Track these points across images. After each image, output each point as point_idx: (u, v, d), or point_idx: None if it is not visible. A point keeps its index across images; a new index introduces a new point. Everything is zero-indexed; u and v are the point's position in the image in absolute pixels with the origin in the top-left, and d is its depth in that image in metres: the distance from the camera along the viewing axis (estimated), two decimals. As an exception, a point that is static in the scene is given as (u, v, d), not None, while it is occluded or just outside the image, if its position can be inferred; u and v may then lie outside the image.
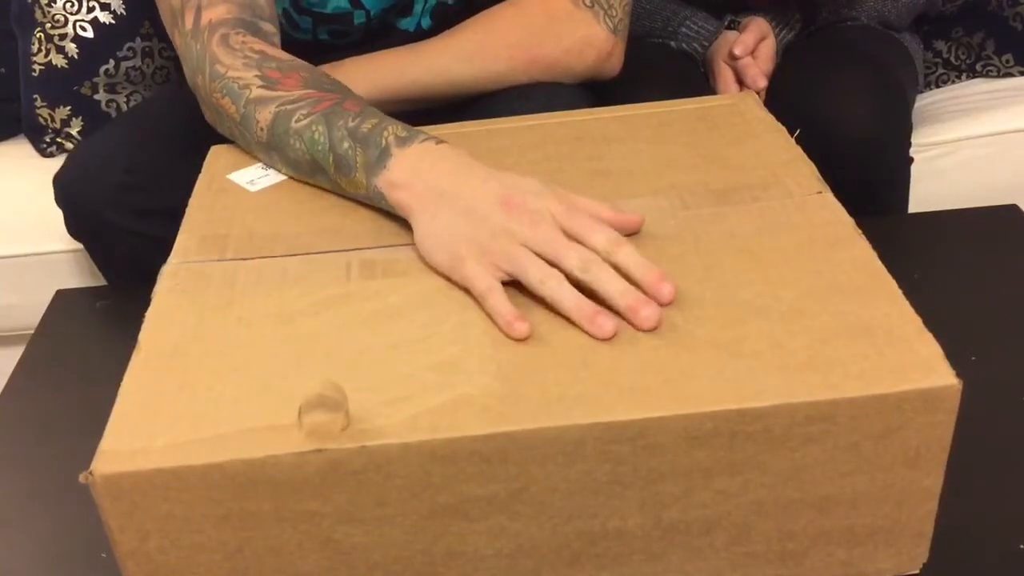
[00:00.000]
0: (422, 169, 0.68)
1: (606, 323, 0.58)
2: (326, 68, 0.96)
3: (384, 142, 0.71)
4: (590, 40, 1.01)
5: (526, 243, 0.62)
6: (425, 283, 0.65)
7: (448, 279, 0.64)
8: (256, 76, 0.80)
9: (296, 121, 0.75)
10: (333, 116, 0.74)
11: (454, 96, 1.00)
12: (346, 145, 0.72)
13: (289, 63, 0.81)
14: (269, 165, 0.81)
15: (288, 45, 0.87)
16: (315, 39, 1.07)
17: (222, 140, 0.86)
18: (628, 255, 0.61)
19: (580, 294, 0.60)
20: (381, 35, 1.07)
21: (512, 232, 0.63)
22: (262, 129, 0.78)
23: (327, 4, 1.02)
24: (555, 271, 0.61)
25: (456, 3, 1.08)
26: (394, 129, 0.71)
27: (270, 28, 0.89)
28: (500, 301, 0.60)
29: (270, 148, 0.78)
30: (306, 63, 0.82)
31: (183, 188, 0.80)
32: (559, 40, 1.00)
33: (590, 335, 0.59)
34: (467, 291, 0.63)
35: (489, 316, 0.61)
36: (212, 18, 0.85)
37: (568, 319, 0.60)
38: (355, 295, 0.64)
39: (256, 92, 0.79)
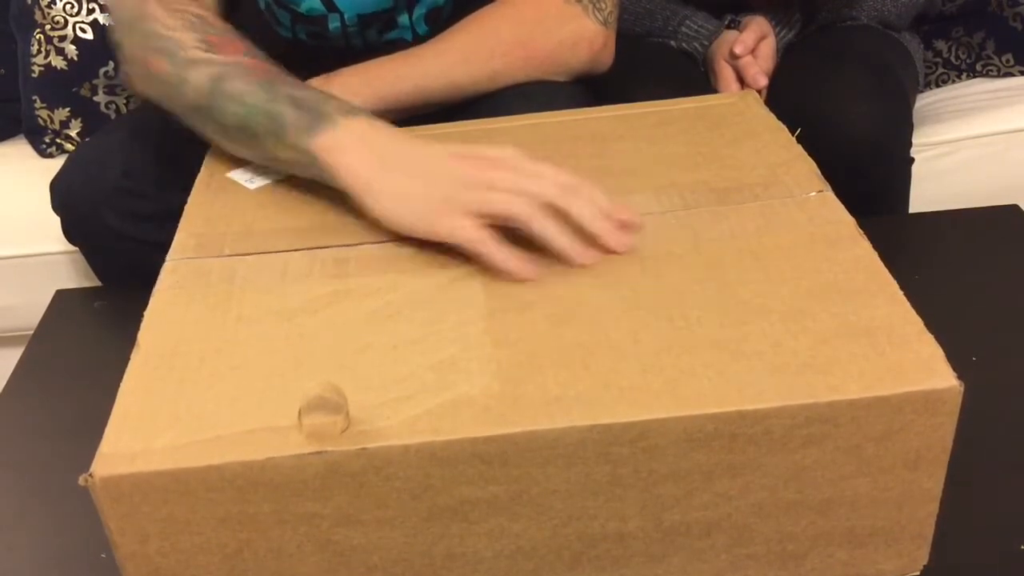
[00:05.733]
0: (367, 137, 0.69)
1: (594, 255, 0.61)
2: (320, 79, 0.96)
3: (327, 109, 0.71)
4: (582, 34, 1.01)
5: (493, 186, 0.62)
6: (425, 280, 0.65)
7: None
8: (196, 38, 0.80)
9: (233, 83, 0.76)
10: (275, 83, 0.75)
11: (453, 99, 1.00)
12: (280, 108, 0.73)
13: (230, 31, 0.82)
14: (194, 128, 0.80)
15: (273, 42, 0.87)
16: (295, 37, 1.08)
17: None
18: (592, 191, 0.63)
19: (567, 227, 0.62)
20: (369, 51, 1.07)
21: (476, 179, 0.63)
22: (195, 90, 0.78)
23: (301, 3, 1.02)
24: (540, 205, 0.62)
25: (448, 3, 1.08)
26: (340, 103, 0.73)
27: (209, 2, 0.91)
28: (497, 248, 0.61)
29: (200, 111, 0.78)
30: (246, 37, 0.83)
31: (181, 191, 0.80)
32: (551, 35, 1.00)
33: (575, 263, 0.61)
34: (466, 284, 0.63)
35: (489, 265, 0.61)
36: None
37: (554, 255, 0.62)
38: (354, 292, 0.64)
39: (193, 53, 0.79)
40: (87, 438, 0.55)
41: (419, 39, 1.05)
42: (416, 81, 0.98)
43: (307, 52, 1.05)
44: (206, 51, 0.79)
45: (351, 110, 0.72)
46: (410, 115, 0.99)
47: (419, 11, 1.06)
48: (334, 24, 1.05)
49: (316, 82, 0.95)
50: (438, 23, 1.06)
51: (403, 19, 1.06)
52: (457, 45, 0.99)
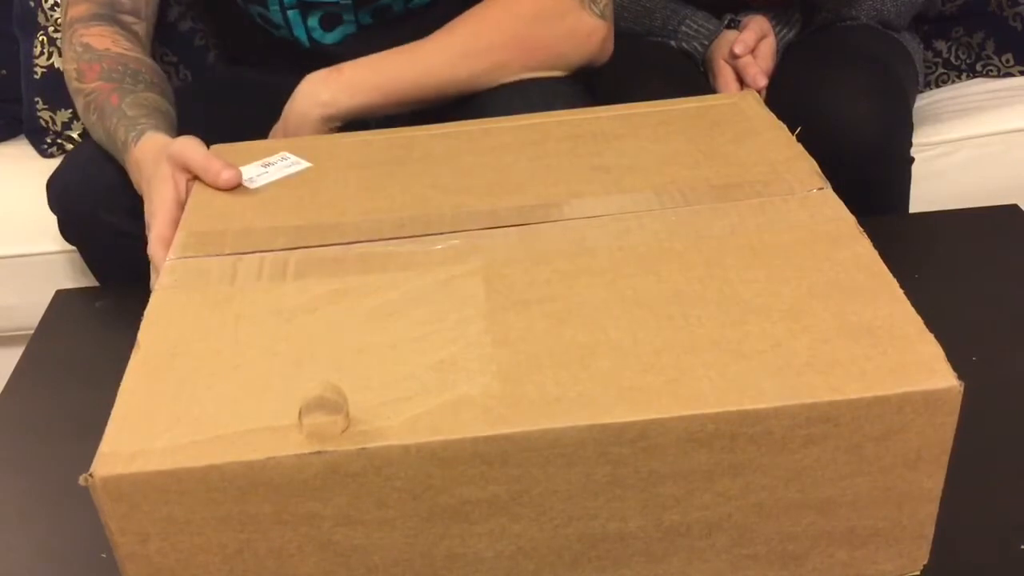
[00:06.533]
0: (134, 166, 0.91)
1: None
2: (327, 72, 0.97)
3: (118, 142, 0.92)
4: (579, 27, 1.02)
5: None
6: (424, 278, 0.65)
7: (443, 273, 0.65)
8: (74, 68, 0.98)
9: (90, 114, 0.96)
10: (104, 116, 0.94)
11: (454, 94, 1.01)
12: (106, 141, 0.94)
13: (100, 55, 0.97)
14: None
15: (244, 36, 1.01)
16: (252, 22, 1.10)
17: (219, 140, 0.87)
18: None
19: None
20: (319, 52, 1.08)
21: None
22: (80, 115, 0.99)
23: None
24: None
25: (398, 4, 1.07)
26: (125, 135, 0.91)
27: (130, 19, 1.04)
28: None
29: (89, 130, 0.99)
30: (118, 53, 0.99)
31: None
32: (549, 28, 1.01)
33: None
34: (466, 283, 0.63)
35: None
36: (73, 15, 1.02)
37: None
38: (354, 291, 0.64)
39: (72, 84, 0.99)
40: (87, 438, 0.55)
41: (365, 28, 1.06)
42: (415, 79, 0.98)
43: (273, 50, 1.07)
44: (77, 79, 0.98)
45: (131, 141, 0.91)
46: (413, 109, 0.99)
47: (365, 14, 1.07)
48: (274, 6, 1.05)
49: (323, 74, 0.98)
50: (385, 17, 1.06)
51: (348, 16, 1.07)
52: (457, 40, 1.00)
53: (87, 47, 0.99)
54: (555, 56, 1.02)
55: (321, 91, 0.97)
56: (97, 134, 0.97)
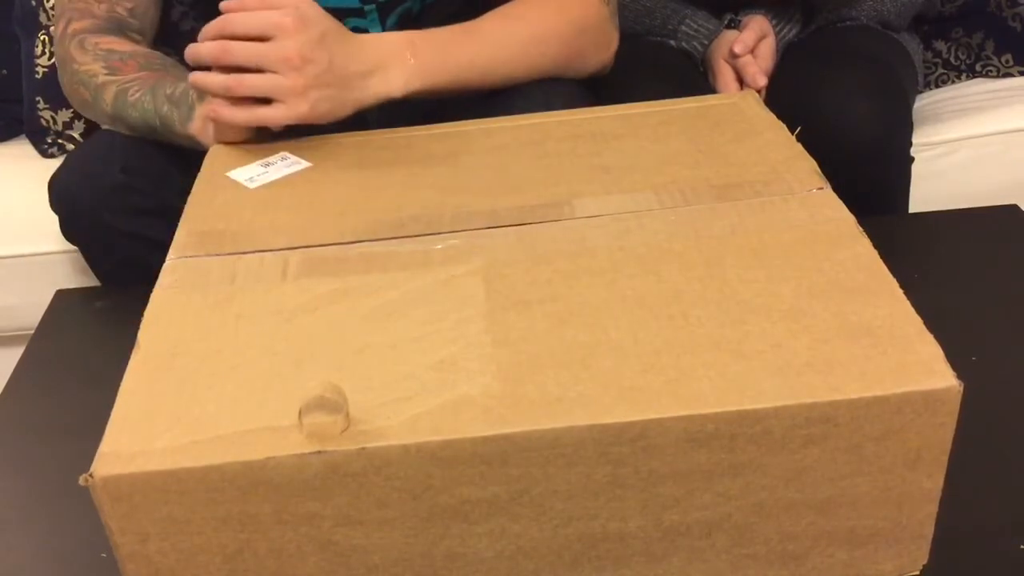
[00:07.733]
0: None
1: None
2: (398, 35, 0.93)
3: (190, 100, 0.91)
4: (606, 37, 1.02)
5: None
6: (424, 278, 0.65)
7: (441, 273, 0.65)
8: (102, 67, 0.99)
9: (131, 95, 0.95)
10: (157, 88, 0.94)
11: (499, 87, 0.99)
12: (166, 108, 0.93)
13: (131, 53, 1.00)
14: (115, 130, 1.00)
15: None
16: None
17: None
18: None
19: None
20: None
21: None
22: (107, 104, 0.97)
23: None
24: None
25: (416, 4, 1.06)
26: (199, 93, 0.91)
27: (137, 37, 1.06)
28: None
29: (115, 119, 0.98)
30: (148, 51, 1.03)
31: (180, 189, 0.81)
32: (588, 37, 1.01)
33: None
34: (466, 282, 0.63)
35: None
36: (76, 28, 1.03)
37: None
38: (354, 291, 0.64)
39: (102, 78, 0.98)
40: (87, 438, 0.55)
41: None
42: (481, 66, 0.95)
43: None
44: (109, 74, 0.98)
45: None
46: (453, 96, 0.96)
47: (392, 19, 1.05)
48: None
49: (399, 49, 0.92)
50: (407, 24, 1.05)
51: (375, 27, 1.06)
52: (518, 40, 0.97)
53: (111, 51, 0.99)
54: (583, 61, 1.01)
55: (394, 75, 0.90)
56: (140, 109, 0.95)
